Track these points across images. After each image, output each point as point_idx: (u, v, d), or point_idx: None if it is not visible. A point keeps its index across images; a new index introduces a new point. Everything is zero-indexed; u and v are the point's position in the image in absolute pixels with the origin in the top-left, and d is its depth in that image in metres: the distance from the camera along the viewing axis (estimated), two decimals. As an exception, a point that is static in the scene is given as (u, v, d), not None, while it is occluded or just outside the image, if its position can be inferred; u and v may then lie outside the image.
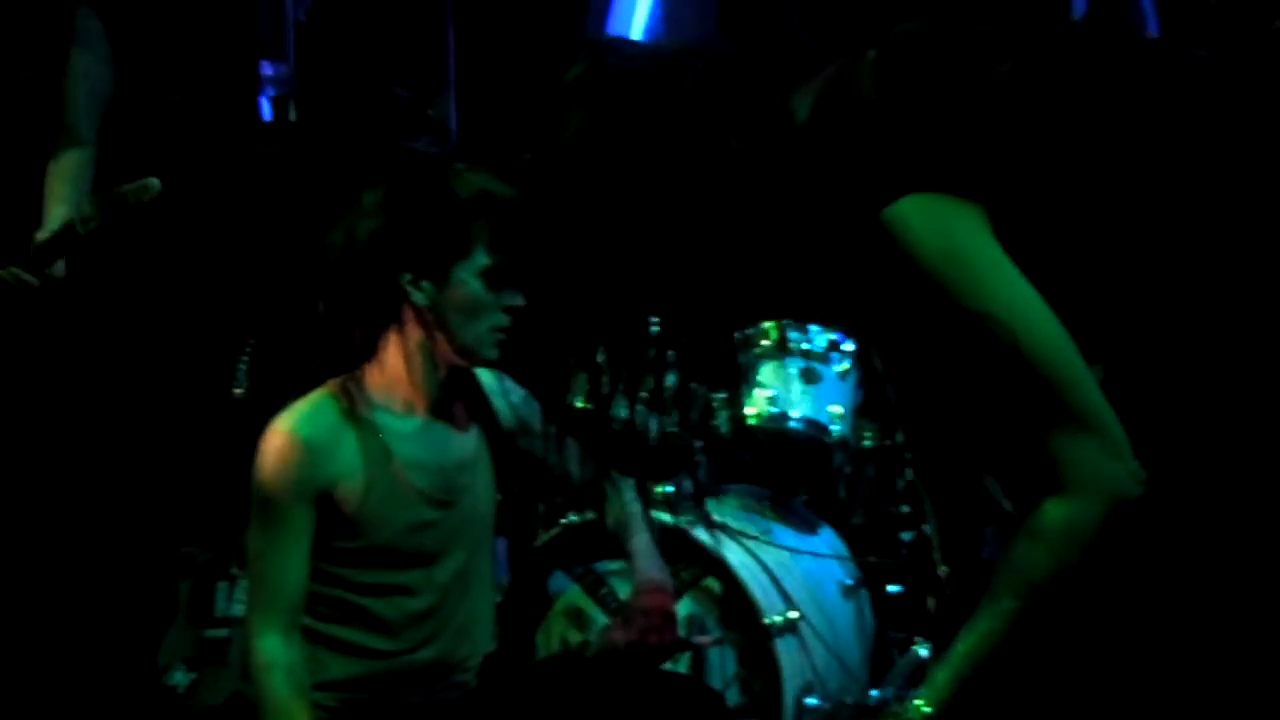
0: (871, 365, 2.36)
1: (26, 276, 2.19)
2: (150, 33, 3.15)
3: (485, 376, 1.79)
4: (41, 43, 2.31)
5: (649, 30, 4.10)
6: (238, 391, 2.95)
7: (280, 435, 1.64)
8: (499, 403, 1.81)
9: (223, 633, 2.81)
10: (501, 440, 1.80)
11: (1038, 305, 1.16)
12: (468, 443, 1.75)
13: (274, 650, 1.62)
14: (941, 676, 1.18)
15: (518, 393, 1.85)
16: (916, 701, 1.19)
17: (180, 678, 2.73)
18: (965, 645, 1.17)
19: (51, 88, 2.31)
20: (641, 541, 1.82)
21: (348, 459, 1.65)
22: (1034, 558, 1.15)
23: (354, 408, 1.67)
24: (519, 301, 1.65)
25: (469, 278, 1.63)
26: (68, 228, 2.13)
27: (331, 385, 1.69)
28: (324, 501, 1.64)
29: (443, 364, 1.68)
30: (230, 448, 2.72)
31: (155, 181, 2.08)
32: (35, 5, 2.32)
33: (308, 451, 1.63)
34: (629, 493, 1.88)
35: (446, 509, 1.71)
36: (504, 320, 1.66)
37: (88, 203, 2.15)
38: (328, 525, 1.65)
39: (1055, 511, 1.14)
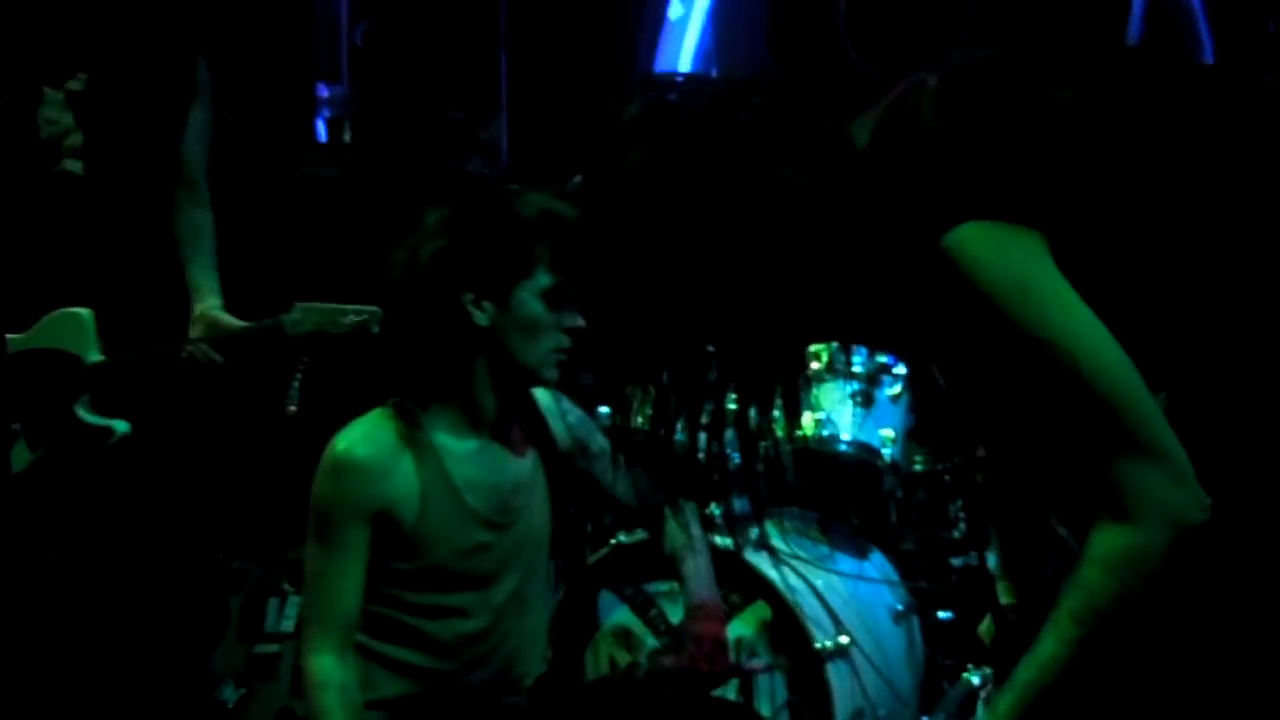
0: (923, 389, 2.34)
1: (215, 356, 2.26)
2: (208, 55, 3.22)
3: (543, 397, 1.80)
4: (165, 97, 2.36)
5: (699, 54, 4.12)
6: (291, 408, 2.98)
7: (338, 454, 1.66)
8: (556, 424, 1.81)
9: (273, 648, 2.84)
10: (558, 462, 1.80)
11: (1100, 332, 1.15)
12: (524, 464, 1.76)
13: (328, 669, 1.63)
14: (1004, 704, 1.17)
15: (575, 413, 1.85)
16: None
17: (230, 693, 2.75)
18: (1027, 673, 1.16)
19: (171, 143, 2.36)
20: (695, 565, 1.81)
21: (405, 479, 1.66)
22: (1098, 584, 1.14)
23: (411, 428, 1.68)
24: (579, 323, 1.65)
25: (530, 298, 1.64)
26: (277, 329, 2.21)
27: (389, 404, 1.71)
28: (381, 521, 1.65)
29: (502, 385, 1.69)
30: (282, 464, 2.75)
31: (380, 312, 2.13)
32: (158, 57, 2.36)
33: (365, 471, 1.64)
34: (687, 516, 1.87)
35: (502, 531, 1.72)
36: (565, 341, 1.66)
37: (300, 313, 2.22)
38: (384, 545, 1.66)
39: (1120, 539, 1.14)
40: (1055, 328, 1.14)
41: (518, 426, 1.76)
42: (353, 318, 2.20)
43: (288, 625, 2.86)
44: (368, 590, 1.66)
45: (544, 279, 1.64)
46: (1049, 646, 1.15)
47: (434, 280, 1.63)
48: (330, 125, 3.45)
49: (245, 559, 2.97)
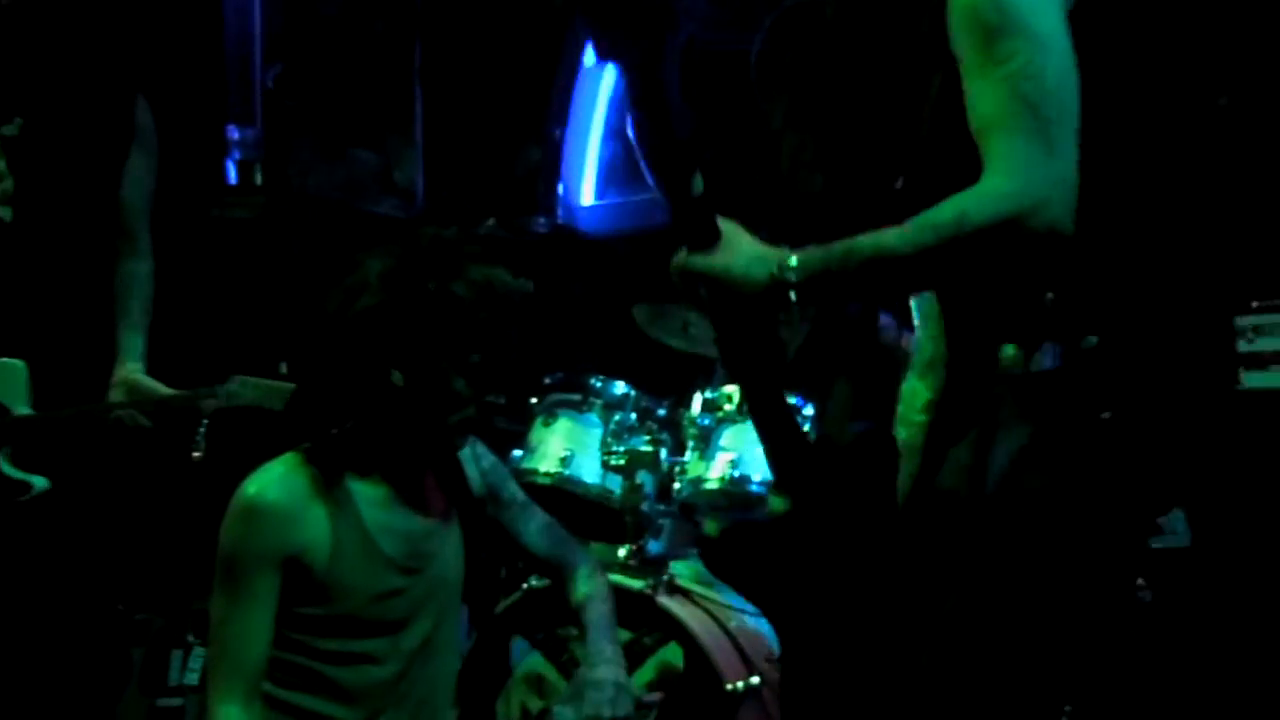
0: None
1: (143, 421, 2.20)
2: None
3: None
4: (102, 142, 2.31)
5: (614, 101, 4.17)
6: (197, 455, 2.93)
7: (248, 499, 1.64)
8: (470, 469, 1.81)
9: (176, 701, 2.77)
10: (470, 507, 1.80)
11: (1064, 47, 1.28)
12: (437, 509, 1.75)
13: (234, 719, 1.60)
14: (820, 251, 1.32)
15: (489, 459, 1.85)
16: (787, 250, 1.33)
17: (131, 747, 2.68)
18: (855, 241, 1.31)
19: (109, 190, 2.31)
20: (598, 613, 1.82)
21: (316, 524, 1.64)
22: (950, 210, 1.28)
23: (323, 473, 1.66)
24: (499, 400, 1.66)
25: (454, 376, 1.63)
26: (211, 399, 2.16)
27: (301, 449, 1.69)
28: (291, 567, 1.63)
29: (414, 435, 1.69)
30: (188, 512, 2.69)
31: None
32: (94, 99, 2.30)
33: (276, 516, 1.62)
34: (590, 564, 1.88)
35: (414, 576, 1.71)
36: (475, 413, 1.67)
37: (239, 385, 2.17)
38: (294, 591, 1.64)
39: (985, 183, 1.27)
40: (1027, 32, 1.28)
41: (430, 472, 1.76)
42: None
43: (192, 678, 2.80)
44: (275, 637, 1.63)
45: (471, 357, 1.63)
46: (886, 236, 1.30)
47: (360, 336, 1.62)
48: (241, 167, 3.42)
49: (149, 610, 2.89)
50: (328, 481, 1.66)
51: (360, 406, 1.66)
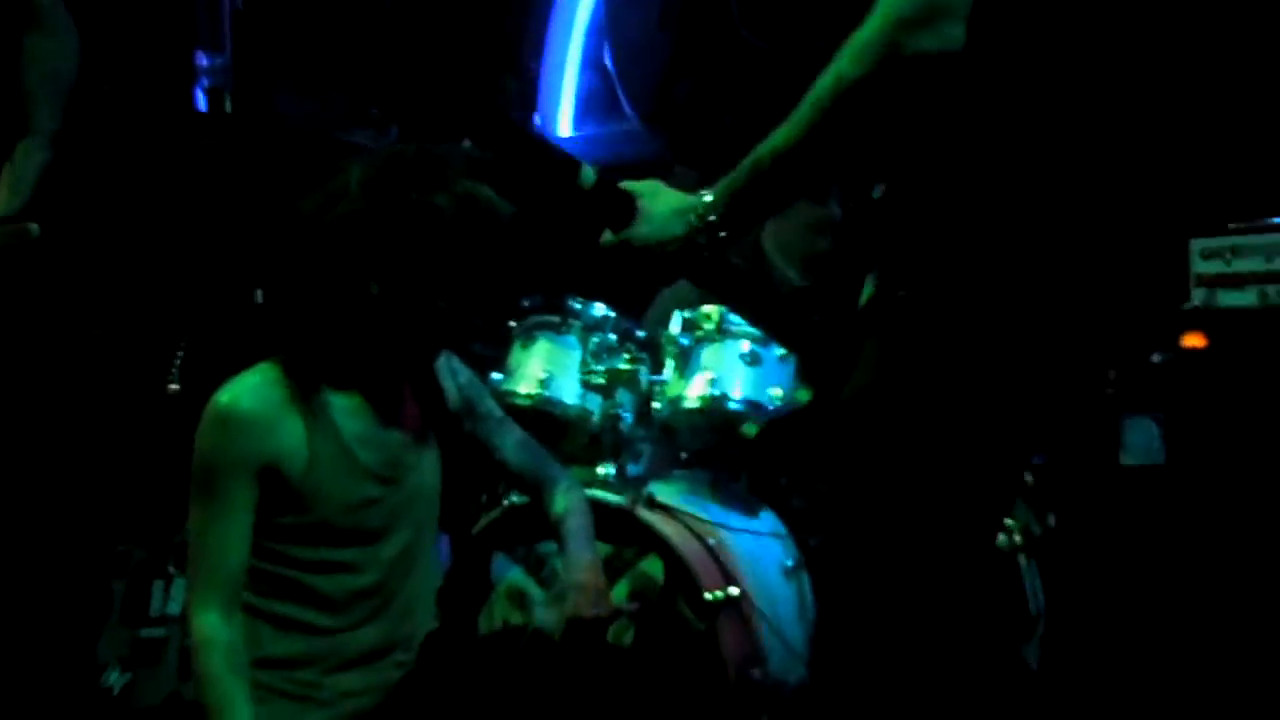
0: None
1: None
2: (83, 20, 3.10)
3: None
4: None
5: (592, 29, 4.13)
6: (173, 387, 2.91)
7: (222, 408, 1.63)
8: (447, 382, 1.81)
9: (159, 632, 2.77)
10: (447, 420, 1.80)
11: None
12: (414, 420, 1.74)
13: (214, 627, 1.60)
14: (729, 177, 1.34)
15: (465, 373, 1.84)
16: (703, 192, 1.35)
17: (115, 678, 2.68)
18: (755, 152, 1.32)
19: (7, 72, 2.25)
20: (575, 525, 1.83)
21: (291, 433, 1.63)
22: (824, 79, 1.30)
23: (298, 382, 1.65)
24: (477, 320, 1.66)
25: (432, 291, 1.62)
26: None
27: (276, 359, 1.68)
28: (267, 476, 1.62)
29: (392, 345, 1.68)
30: (166, 444, 2.68)
31: (34, 227, 2.06)
32: None
33: (250, 424, 1.61)
34: (568, 480, 1.89)
35: (392, 486, 1.70)
36: (452, 330, 1.67)
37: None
38: (270, 500, 1.63)
39: (862, 32, 1.28)
40: None
41: (407, 383, 1.75)
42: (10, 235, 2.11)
43: (174, 608, 2.79)
44: (254, 547, 1.63)
45: (451, 274, 1.62)
46: (777, 134, 1.31)
47: (338, 242, 1.60)
48: (210, 95, 3.36)
49: (129, 542, 2.89)
50: (303, 390, 1.65)
51: (336, 316, 1.64)
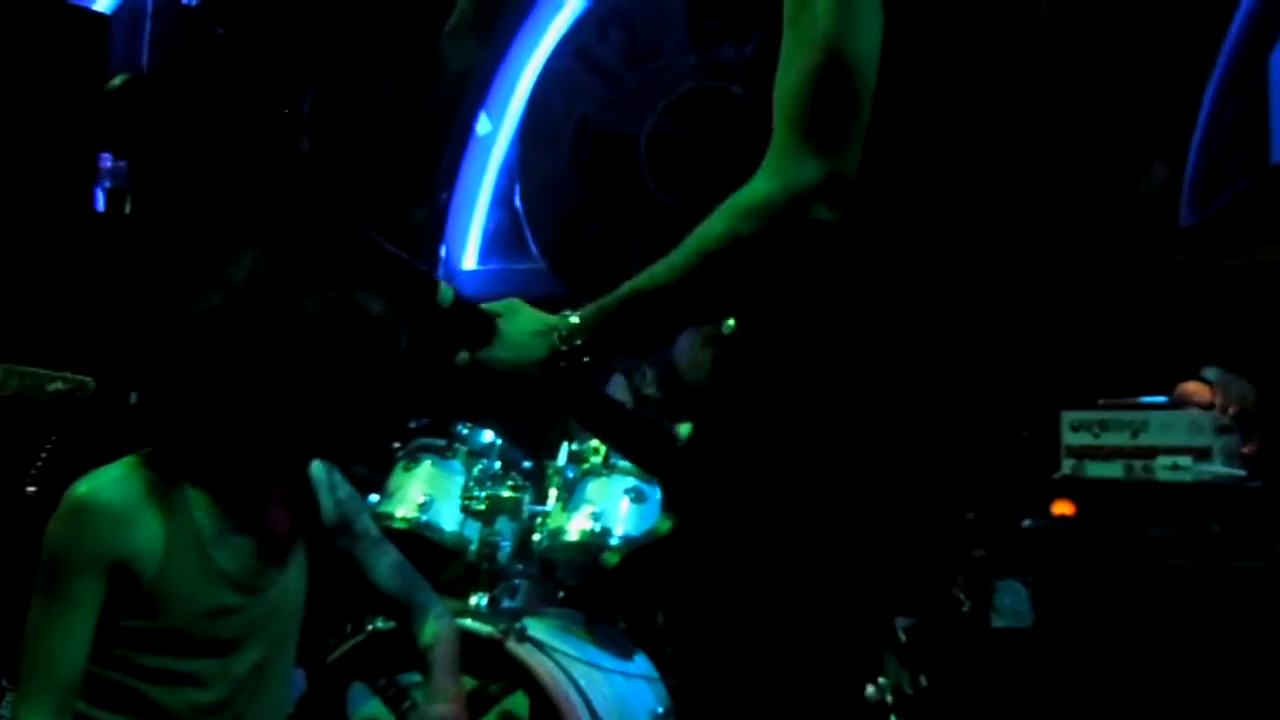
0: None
1: None
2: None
3: (315, 467, 1.75)
4: None
5: (504, 169, 4.21)
6: (30, 489, 2.77)
7: (78, 497, 1.56)
8: (324, 496, 1.75)
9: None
10: (320, 535, 1.74)
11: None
12: (283, 530, 1.68)
13: None
14: (599, 303, 1.33)
15: (345, 488, 1.79)
16: (568, 313, 1.33)
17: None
18: (631, 284, 1.32)
19: None
20: (441, 654, 1.77)
21: (148, 530, 1.56)
22: (713, 226, 1.28)
23: (162, 477, 1.59)
24: (344, 425, 1.63)
25: (295, 393, 1.57)
26: None
27: (142, 453, 1.61)
28: (117, 574, 1.54)
29: (263, 449, 1.63)
30: (17, 547, 2.53)
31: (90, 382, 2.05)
32: None
33: (104, 517, 1.54)
34: (440, 607, 1.83)
35: (251, 595, 1.63)
36: (316, 430, 1.63)
37: (1, 373, 2.10)
38: (118, 601, 1.55)
39: (745, 193, 1.27)
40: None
41: (280, 491, 1.69)
42: (59, 385, 2.12)
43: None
44: (94, 651, 1.53)
45: (315, 378, 1.57)
46: (659, 269, 1.31)
47: (203, 335, 1.56)
48: (110, 196, 3.32)
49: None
50: (165, 487, 1.58)
51: (200, 409, 1.59)
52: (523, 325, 1.36)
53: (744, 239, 1.26)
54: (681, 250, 1.30)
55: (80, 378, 2.14)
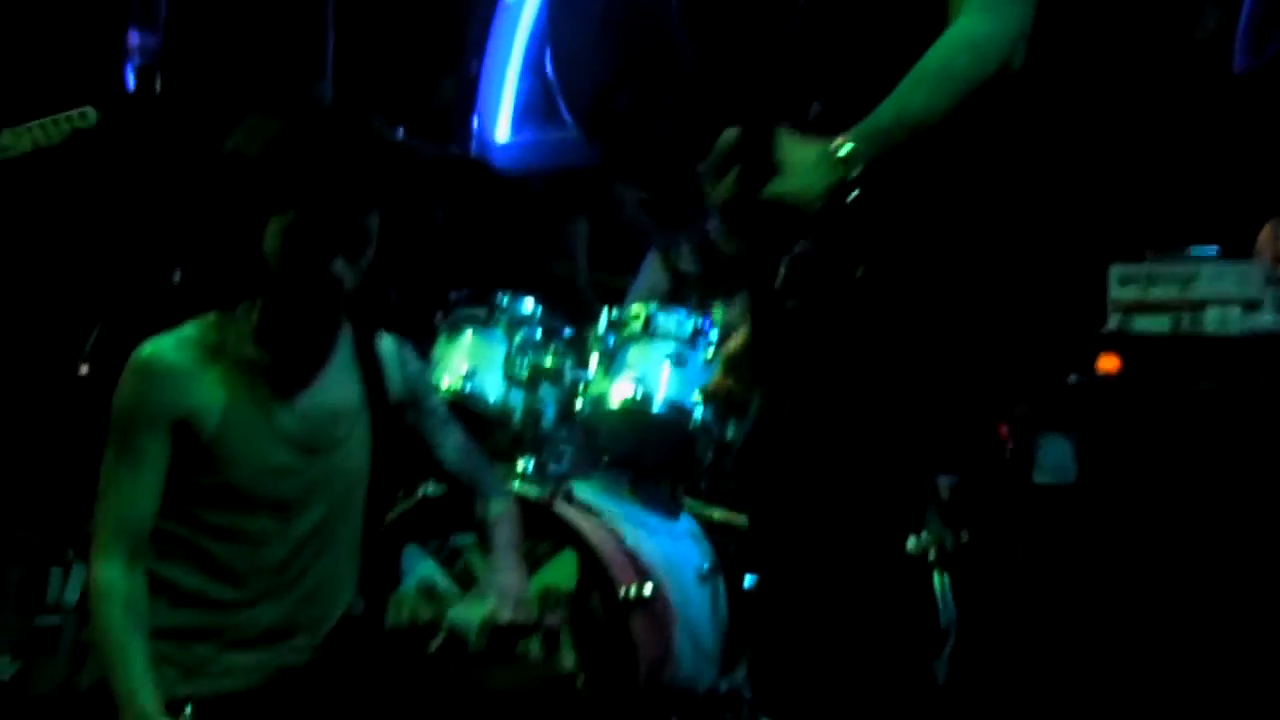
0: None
1: None
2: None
3: (386, 343, 1.77)
4: None
5: (533, 38, 4.13)
6: (83, 370, 2.82)
7: (142, 358, 1.62)
8: (393, 369, 1.77)
9: (54, 620, 2.67)
10: (387, 408, 1.76)
11: None
12: (349, 396, 1.71)
13: (114, 579, 1.56)
14: (863, 133, 1.32)
15: (416, 365, 1.81)
16: (841, 140, 1.31)
17: (5, 666, 2.59)
18: (888, 115, 1.32)
19: None
20: (504, 535, 1.82)
21: (209, 388, 1.61)
22: (951, 59, 1.33)
23: (225, 339, 1.63)
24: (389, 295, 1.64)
25: (330, 256, 1.59)
26: None
27: (205, 317, 1.65)
28: (180, 430, 1.59)
29: (295, 312, 1.64)
30: (70, 428, 2.59)
31: (91, 111, 2.09)
32: None
33: (167, 376, 1.60)
34: (504, 490, 1.89)
35: (312, 456, 1.66)
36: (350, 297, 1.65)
37: (9, 137, 2.13)
38: (182, 456, 1.60)
39: (966, 30, 1.33)
40: None
41: (349, 360, 1.71)
42: (65, 124, 2.16)
43: (71, 597, 2.70)
44: (163, 505, 1.60)
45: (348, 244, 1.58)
46: (909, 99, 1.33)
47: (250, 177, 1.57)
48: (140, 74, 3.30)
49: (27, 528, 2.79)
50: (226, 349, 1.63)
51: (243, 271, 1.61)
52: (804, 155, 1.32)
53: (984, 75, 1.32)
54: (922, 80, 1.33)
55: (80, 109, 2.18)
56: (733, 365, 1.66)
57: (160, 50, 3.28)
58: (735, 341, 1.70)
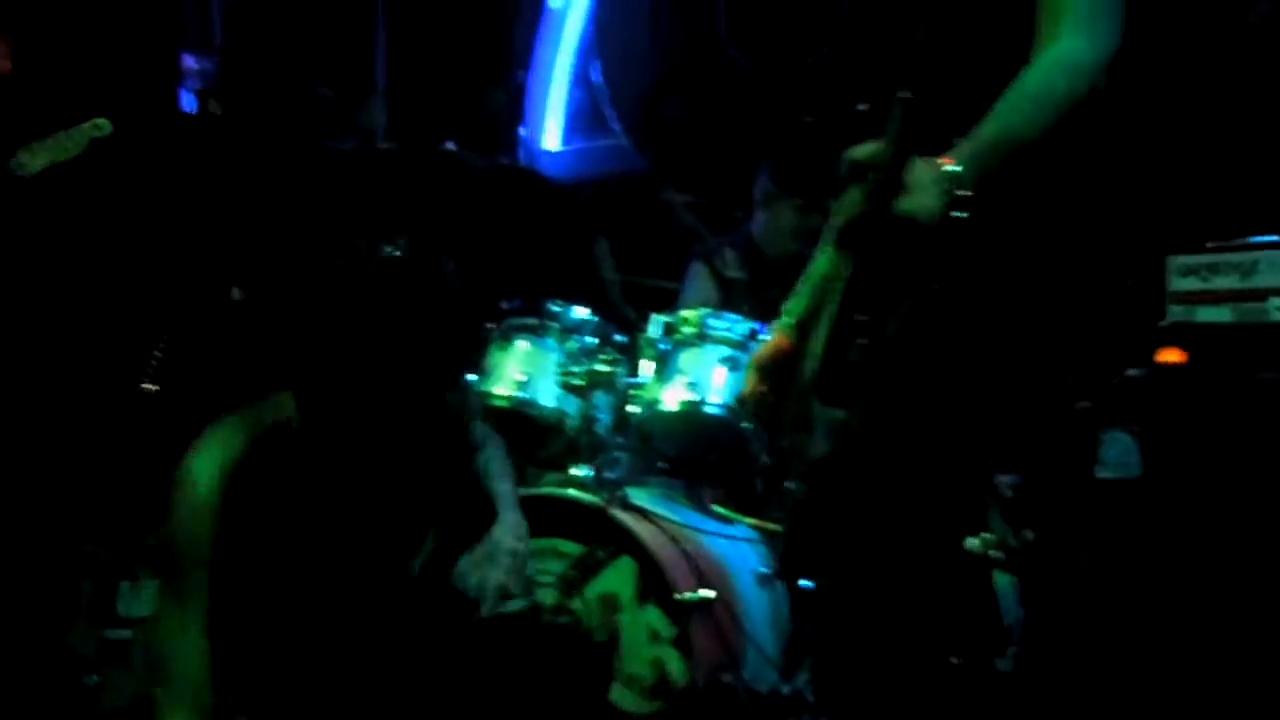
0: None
1: None
2: (72, 23, 3.10)
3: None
4: None
5: (581, 44, 4.15)
6: (148, 386, 2.88)
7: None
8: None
9: (125, 633, 2.73)
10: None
11: None
12: None
13: None
14: (968, 152, 1.35)
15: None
16: (941, 162, 1.33)
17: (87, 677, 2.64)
18: (990, 135, 1.35)
19: None
20: (504, 488, 1.88)
21: None
22: (1049, 80, 1.37)
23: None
24: None
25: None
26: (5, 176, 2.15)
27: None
28: None
29: None
30: (138, 443, 2.65)
31: (104, 122, 2.15)
32: None
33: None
34: (492, 450, 1.89)
35: None
36: None
37: (27, 154, 2.19)
38: None
39: (1056, 48, 1.36)
40: None
41: None
42: (80, 136, 2.20)
43: (140, 610, 2.75)
44: None
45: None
46: (1009, 119, 1.37)
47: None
48: (198, 97, 3.36)
49: (97, 542, 2.85)
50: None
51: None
52: (924, 174, 1.35)
53: (1073, 94, 1.37)
54: (1022, 102, 1.37)
55: (93, 120, 2.23)
56: (764, 371, 1.66)
57: (216, 73, 3.34)
58: (765, 348, 1.72)
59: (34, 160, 2.21)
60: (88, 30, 3.17)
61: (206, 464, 1.58)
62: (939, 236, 1.35)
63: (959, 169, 1.34)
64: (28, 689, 2.61)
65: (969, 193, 1.33)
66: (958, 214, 1.33)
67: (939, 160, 1.34)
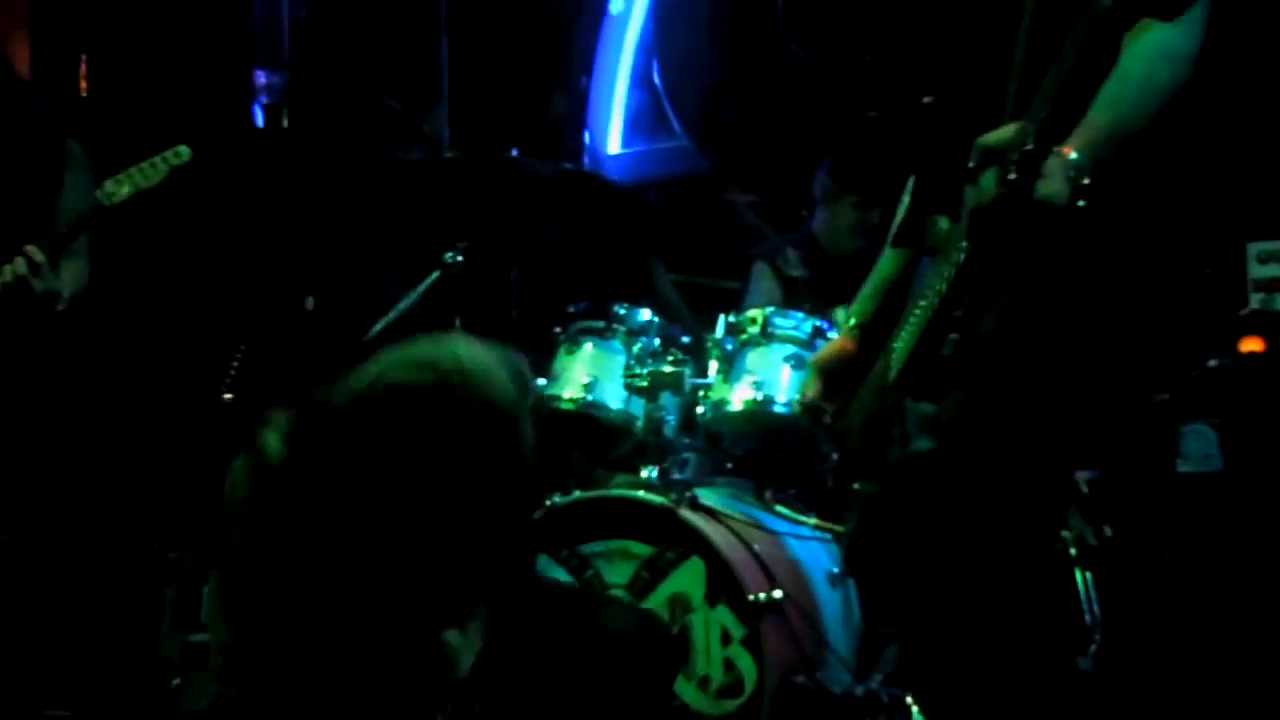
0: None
1: (39, 257, 2.27)
2: (145, 40, 3.18)
3: None
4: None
5: (641, 47, 4.16)
6: (227, 396, 2.94)
7: None
8: None
9: (206, 637, 2.79)
10: None
11: None
12: None
13: None
14: (1084, 142, 1.34)
15: None
16: (1064, 149, 1.33)
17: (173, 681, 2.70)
18: (1102, 124, 1.35)
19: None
20: None
21: None
22: (1153, 69, 1.37)
23: None
24: None
25: None
26: (96, 210, 2.28)
27: None
28: None
29: None
30: (217, 452, 2.71)
31: (185, 149, 2.25)
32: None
33: None
34: None
35: None
36: None
37: (112, 184, 2.30)
38: None
39: (1155, 34, 1.35)
40: None
41: None
42: (162, 165, 2.30)
43: (223, 615, 2.81)
44: None
45: None
46: (1119, 109, 1.37)
47: None
48: (268, 111, 3.43)
49: (181, 549, 2.92)
50: None
51: None
52: (1054, 161, 1.34)
53: (1174, 82, 1.38)
54: (1127, 91, 1.37)
55: (174, 148, 2.33)
56: (825, 373, 1.65)
57: (286, 87, 3.41)
58: (827, 350, 1.71)
59: (120, 190, 2.31)
60: (162, 50, 3.25)
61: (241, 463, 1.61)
62: (1065, 226, 1.34)
63: (1078, 155, 1.33)
64: (116, 691, 2.69)
65: (1089, 181, 1.32)
66: (1080, 203, 1.32)
67: (1062, 149, 1.33)
